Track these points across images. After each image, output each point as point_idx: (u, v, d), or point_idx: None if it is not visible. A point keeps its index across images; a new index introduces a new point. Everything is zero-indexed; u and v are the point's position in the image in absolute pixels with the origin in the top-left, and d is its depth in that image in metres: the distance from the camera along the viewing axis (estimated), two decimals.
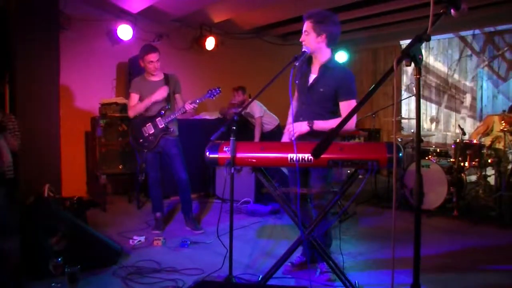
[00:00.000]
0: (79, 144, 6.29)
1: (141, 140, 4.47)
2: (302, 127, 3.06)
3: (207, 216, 5.26)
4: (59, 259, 2.68)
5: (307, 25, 3.10)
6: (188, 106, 4.35)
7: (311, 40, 3.08)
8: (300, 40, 3.12)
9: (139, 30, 6.58)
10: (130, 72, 6.48)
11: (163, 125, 4.43)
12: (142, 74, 4.60)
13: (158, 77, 4.53)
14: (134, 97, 4.50)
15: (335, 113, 3.12)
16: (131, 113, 4.48)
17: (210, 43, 7.26)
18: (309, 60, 3.25)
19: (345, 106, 3.04)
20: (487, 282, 3.26)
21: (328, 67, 3.12)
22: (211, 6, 6.40)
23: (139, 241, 4.12)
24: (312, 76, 3.20)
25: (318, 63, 3.18)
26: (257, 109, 6.38)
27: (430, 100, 8.19)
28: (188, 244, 4.03)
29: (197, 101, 4.39)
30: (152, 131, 4.44)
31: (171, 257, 3.71)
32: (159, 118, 4.44)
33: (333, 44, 3.14)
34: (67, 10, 5.89)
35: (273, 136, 6.49)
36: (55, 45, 5.64)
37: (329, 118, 3.05)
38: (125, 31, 6.30)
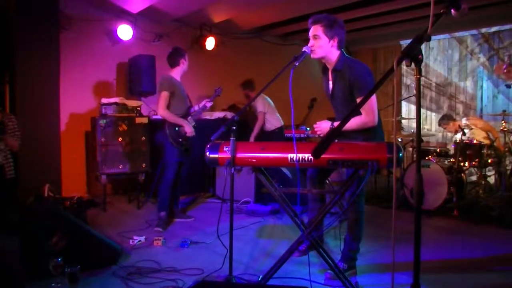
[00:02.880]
0: (79, 144, 6.29)
1: (180, 139, 4.67)
2: (326, 126, 3.10)
3: (207, 216, 5.25)
4: (59, 259, 2.68)
5: (316, 30, 3.05)
6: (208, 104, 4.98)
7: (322, 44, 3.05)
8: (309, 45, 3.08)
9: (139, 30, 6.58)
10: (130, 72, 6.48)
11: (193, 123, 4.75)
12: (168, 74, 4.75)
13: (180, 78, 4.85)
14: (167, 96, 4.63)
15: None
16: (162, 114, 4.64)
17: (210, 43, 7.26)
18: (324, 67, 3.26)
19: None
20: (487, 282, 3.26)
21: (337, 71, 3.10)
22: (211, 6, 6.39)
23: (139, 241, 4.11)
24: (330, 84, 3.23)
25: (331, 68, 3.18)
26: (260, 104, 6.43)
27: (430, 101, 8.18)
28: (188, 244, 4.03)
29: (212, 98, 5.03)
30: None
31: (171, 257, 3.71)
32: (190, 117, 4.81)
33: (342, 47, 3.14)
34: (67, 10, 5.90)
35: (273, 136, 6.50)
36: (55, 45, 5.65)
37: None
38: (125, 31, 6.30)
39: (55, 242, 3.20)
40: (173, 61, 4.78)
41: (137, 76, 6.32)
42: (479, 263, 3.69)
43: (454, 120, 5.96)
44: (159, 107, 4.61)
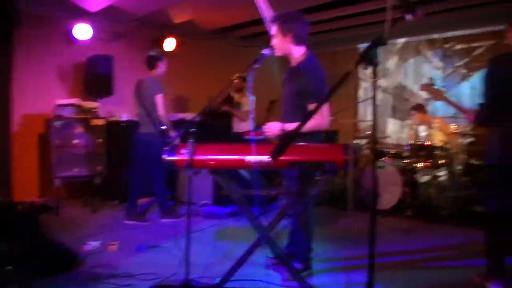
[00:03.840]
0: (33, 147, 6.07)
1: (168, 139, 4.84)
2: (275, 128, 3.11)
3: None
4: (10, 267, 2.58)
5: (274, 28, 3.12)
6: None
7: (278, 41, 3.11)
8: (271, 44, 3.13)
9: (97, 29, 6.40)
10: (88, 72, 6.30)
11: None
12: (154, 77, 4.91)
13: None
14: (163, 97, 4.85)
15: (304, 111, 3.05)
16: (164, 115, 4.79)
17: (169, 44, 7.15)
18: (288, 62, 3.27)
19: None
20: (441, 279, 3.38)
21: (296, 69, 3.14)
22: (171, 7, 6.33)
23: (94, 246, 4.01)
24: (287, 74, 3.26)
25: (293, 64, 3.20)
26: (249, 102, 6.45)
27: (386, 104, 8.40)
28: (144, 248, 3.97)
29: None
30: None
31: (127, 262, 3.64)
32: None
33: (302, 43, 3.15)
34: (22, 6, 5.67)
35: (242, 139, 6.50)
36: (8, 43, 5.45)
37: (298, 116, 3.00)
38: (83, 30, 6.14)
39: (6, 249, 3.08)
40: (152, 64, 4.91)
41: (94, 76, 6.16)
42: (432, 261, 3.82)
43: (425, 113, 6.12)
44: (161, 108, 4.78)
